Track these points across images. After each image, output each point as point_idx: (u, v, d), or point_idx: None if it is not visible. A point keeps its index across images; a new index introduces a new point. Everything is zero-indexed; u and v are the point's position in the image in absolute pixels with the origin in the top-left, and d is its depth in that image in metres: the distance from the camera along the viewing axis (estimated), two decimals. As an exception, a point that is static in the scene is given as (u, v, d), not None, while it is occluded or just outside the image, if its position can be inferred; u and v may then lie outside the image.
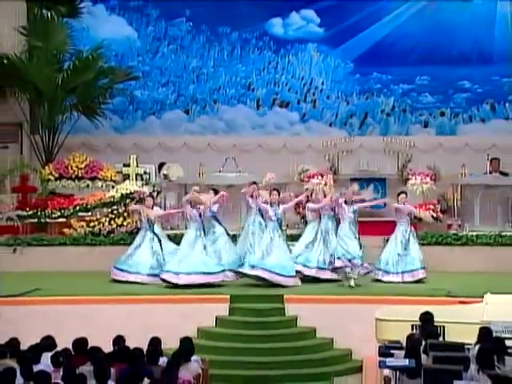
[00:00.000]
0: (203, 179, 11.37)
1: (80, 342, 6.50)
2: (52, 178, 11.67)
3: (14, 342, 6.57)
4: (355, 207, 9.73)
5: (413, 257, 9.63)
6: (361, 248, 9.51)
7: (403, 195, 9.87)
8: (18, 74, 12.09)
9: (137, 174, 11.61)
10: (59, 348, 6.45)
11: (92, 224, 10.97)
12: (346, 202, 9.70)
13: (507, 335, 6.76)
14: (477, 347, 6.14)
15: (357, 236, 9.61)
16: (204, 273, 9.26)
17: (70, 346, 6.44)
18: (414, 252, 9.65)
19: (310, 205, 9.81)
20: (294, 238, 10.41)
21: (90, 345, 6.46)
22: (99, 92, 12.76)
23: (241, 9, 13.20)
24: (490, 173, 11.52)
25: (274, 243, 9.30)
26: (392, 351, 6.45)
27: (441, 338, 6.89)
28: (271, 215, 9.39)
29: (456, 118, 13.21)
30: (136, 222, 10.95)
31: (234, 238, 9.98)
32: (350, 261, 9.44)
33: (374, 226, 10.83)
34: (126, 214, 10.89)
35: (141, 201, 10.28)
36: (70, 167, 11.70)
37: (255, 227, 9.66)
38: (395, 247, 9.73)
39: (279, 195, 9.59)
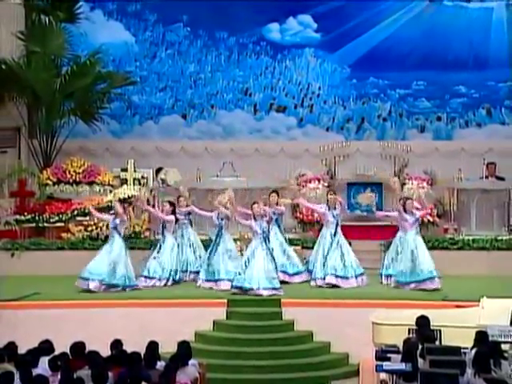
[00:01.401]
0: (201, 184, 11.41)
1: (78, 346, 6.51)
2: (50, 182, 11.69)
3: (11, 346, 6.58)
4: (336, 211, 9.58)
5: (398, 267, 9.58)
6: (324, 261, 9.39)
7: (409, 201, 9.57)
8: (16, 79, 12.11)
9: (134, 179, 11.65)
10: (57, 352, 6.47)
11: (90, 228, 10.99)
12: (329, 208, 9.63)
13: (503, 339, 6.74)
14: (473, 351, 6.15)
15: (327, 247, 9.44)
16: None
17: (68, 350, 6.44)
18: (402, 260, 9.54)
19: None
20: (291, 243, 10.46)
21: (87, 349, 6.48)
22: (97, 97, 12.78)
23: (238, 14, 13.25)
24: (486, 177, 11.55)
25: (256, 256, 9.12)
26: (389, 355, 6.47)
27: (437, 342, 6.90)
28: (257, 230, 9.18)
29: (452, 122, 13.24)
30: (134, 226, 10.99)
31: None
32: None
33: (371, 231, 10.88)
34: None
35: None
36: (67, 172, 11.73)
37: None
38: (392, 250, 9.76)
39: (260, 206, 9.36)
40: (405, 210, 9.50)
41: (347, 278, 9.44)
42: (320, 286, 9.49)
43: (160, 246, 9.96)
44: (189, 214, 10.29)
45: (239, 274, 9.16)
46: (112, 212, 9.73)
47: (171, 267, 9.84)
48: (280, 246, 9.82)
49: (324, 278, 9.44)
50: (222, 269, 9.51)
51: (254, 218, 9.23)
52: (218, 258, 9.55)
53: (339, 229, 9.60)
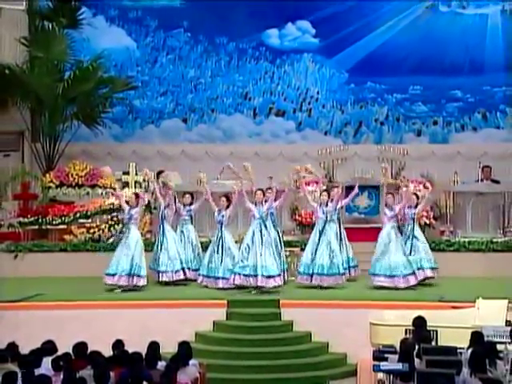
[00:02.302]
0: (201, 187, 11.51)
1: (80, 347, 6.60)
2: (53, 185, 11.80)
3: (12, 347, 6.65)
4: (327, 208, 9.66)
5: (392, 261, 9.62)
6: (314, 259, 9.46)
7: (390, 195, 9.60)
8: (19, 84, 12.23)
9: (136, 182, 11.77)
10: (60, 352, 6.56)
11: (92, 230, 11.13)
12: (322, 204, 9.71)
13: (498, 339, 6.81)
14: (469, 351, 6.23)
15: (313, 246, 9.52)
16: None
17: (71, 351, 6.54)
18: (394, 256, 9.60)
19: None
20: (289, 244, 10.57)
21: (89, 349, 6.57)
22: (99, 101, 12.90)
23: (238, 20, 13.36)
24: (482, 180, 11.68)
25: (256, 243, 9.34)
26: (386, 355, 6.55)
27: (433, 343, 6.98)
28: (255, 213, 9.51)
29: (448, 126, 13.34)
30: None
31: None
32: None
33: (368, 232, 10.98)
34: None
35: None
36: (70, 175, 11.84)
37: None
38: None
39: (264, 195, 9.69)
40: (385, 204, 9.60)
41: (334, 274, 9.52)
42: (310, 286, 9.51)
43: (162, 239, 10.02)
44: (191, 210, 10.34)
45: (241, 260, 9.36)
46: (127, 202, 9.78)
47: (181, 256, 9.98)
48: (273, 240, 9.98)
49: (311, 276, 9.52)
50: (221, 267, 9.65)
51: (255, 204, 9.57)
52: (218, 256, 9.70)
53: (329, 226, 9.63)
